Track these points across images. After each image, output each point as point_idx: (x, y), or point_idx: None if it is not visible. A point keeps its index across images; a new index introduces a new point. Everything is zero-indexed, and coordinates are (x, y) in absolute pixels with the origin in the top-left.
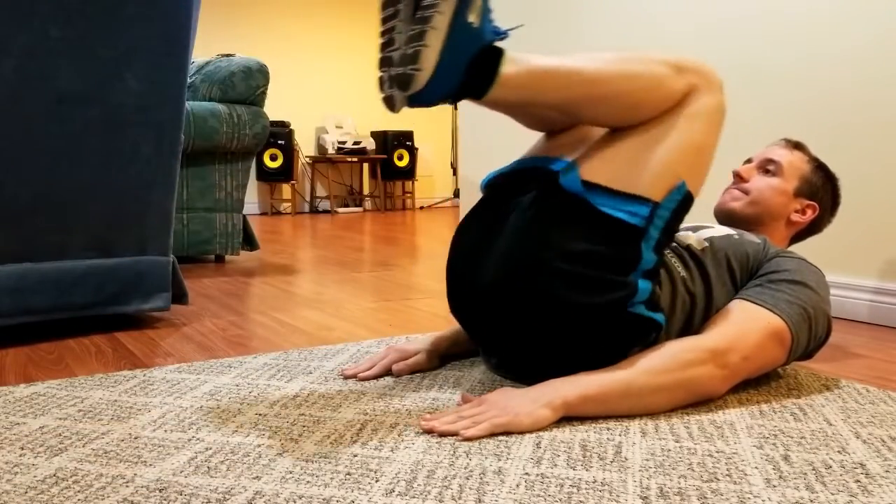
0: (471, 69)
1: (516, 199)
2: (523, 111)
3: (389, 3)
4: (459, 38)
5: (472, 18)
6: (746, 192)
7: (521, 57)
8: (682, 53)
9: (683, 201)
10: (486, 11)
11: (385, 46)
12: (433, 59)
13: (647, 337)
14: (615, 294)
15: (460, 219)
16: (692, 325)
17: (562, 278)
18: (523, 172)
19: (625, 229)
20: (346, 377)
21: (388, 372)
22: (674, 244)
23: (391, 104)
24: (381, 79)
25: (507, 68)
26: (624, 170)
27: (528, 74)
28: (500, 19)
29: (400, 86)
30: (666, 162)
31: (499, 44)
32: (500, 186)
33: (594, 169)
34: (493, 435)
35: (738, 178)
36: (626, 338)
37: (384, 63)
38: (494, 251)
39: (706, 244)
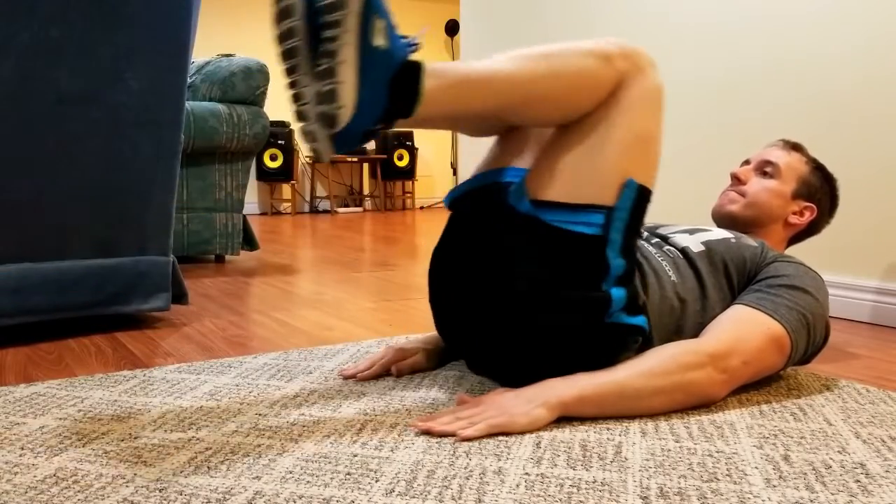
0: (392, 92)
1: (479, 226)
2: (457, 122)
3: (286, 37)
4: (372, 64)
5: (379, 41)
6: (743, 195)
7: (441, 68)
8: (608, 38)
9: (638, 198)
10: (390, 29)
11: (297, 98)
12: (351, 93)
13: (631, 344)
14: (591, 309)
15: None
16: (684, 329)
17: (537, 307)
18: (481, 191)
19: (585, 241)
20: (346, 377)
21: (387, 372)
22: (668, 248)
23: (318, 152)
24: (303, 129)
25: (430, 83)
26: (570, 181)
27: (452, 85)
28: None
29: (324, 127)
30: (610, 163)
31: (415, 56)
32: (462, 208)
33: (542, 185)
34: (490, 435)
35: (736, 179)
36: (609, 348)
37: (301, 116)
38: (469, 286)
39: (703, 248)
